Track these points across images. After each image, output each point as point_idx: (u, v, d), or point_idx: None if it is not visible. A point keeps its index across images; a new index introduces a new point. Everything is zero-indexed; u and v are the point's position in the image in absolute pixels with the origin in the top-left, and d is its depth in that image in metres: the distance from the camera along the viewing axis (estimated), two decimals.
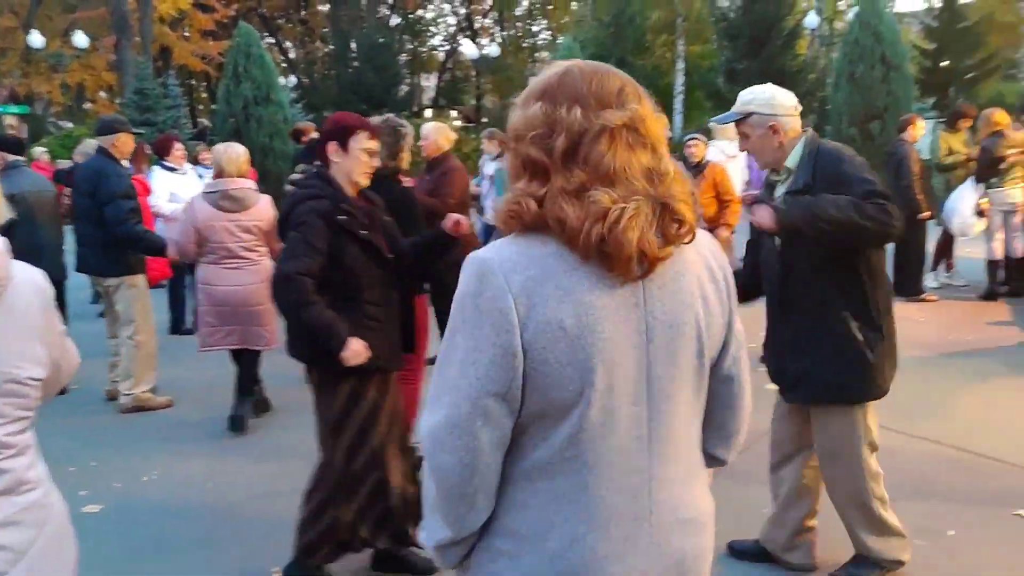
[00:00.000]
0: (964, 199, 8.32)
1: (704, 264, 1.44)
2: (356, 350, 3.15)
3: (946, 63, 28.27)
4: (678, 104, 27.20)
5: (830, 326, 3.04)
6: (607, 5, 28.49)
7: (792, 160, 3.09)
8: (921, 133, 8.46)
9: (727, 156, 8.48)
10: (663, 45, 29.24)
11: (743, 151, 3.28)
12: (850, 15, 28.21)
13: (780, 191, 3.13)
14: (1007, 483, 4.16)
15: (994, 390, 5.63)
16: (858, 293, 3.01)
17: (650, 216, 1.31)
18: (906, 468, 4.22)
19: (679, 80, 27.59)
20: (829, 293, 3.03)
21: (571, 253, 1.30)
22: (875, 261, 3.06)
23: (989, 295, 8.37)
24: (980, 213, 8.23)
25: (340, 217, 3.15)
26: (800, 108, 3.19)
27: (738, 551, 3.57)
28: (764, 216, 3.01)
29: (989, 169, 8.23)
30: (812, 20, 26.59)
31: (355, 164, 3.26)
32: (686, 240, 1.37)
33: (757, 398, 5.37)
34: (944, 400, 5.25)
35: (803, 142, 3.09)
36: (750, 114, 3.12)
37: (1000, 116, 8.27)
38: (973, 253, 9.27)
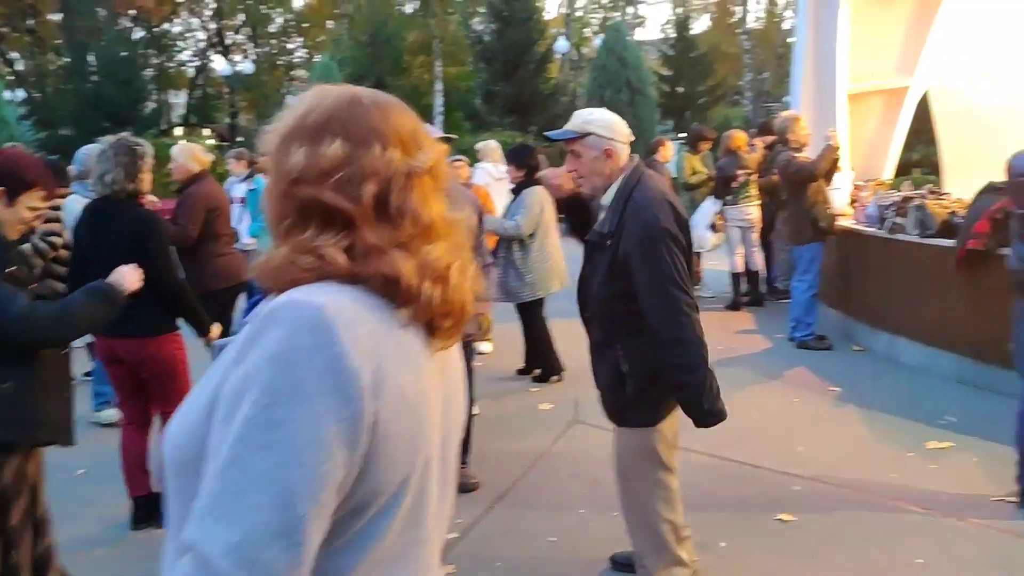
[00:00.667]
0: (702, 215, 8.96)
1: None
2: (124, 272, 3.05)
3: (682, 89, 30.61)
4: (438, 125, 27.49)
5: (608, 357, 3.08)
6: (364, 25, 28.38)
7: (607, 198, 3.04)
8: (671, 154, 9.01)
9: (494, 179, 8.50)
10: (421, 66, 29.49)
11: (570, 171, 3.13)
12: (596, 42, 29.89)
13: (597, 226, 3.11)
14: (768, 489, 4.39)
15: (747, 397, 5.99)
16: (634, 323, 3.01)
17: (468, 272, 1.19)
18: None
19: (438, 101, 27.92)
20: (606, 325, 3.09)
21: (397, 310, 1.10)
22: None
23: (734, 306, 9.00)
24: (713, 227, 8.89)
25: (10, 268, 2.70)
26: (633, 138, 3.15)
27: (621, 562, 3.48)
28: None
29: (725, 187, 8.92)
30: (562, 45, 27.84)
31: (16, 221, 2.80)
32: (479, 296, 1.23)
33: (527, 419, 5.38)
34: None
35: (620, 180, 3.02)
36: (588, 134, 3.03)
37: (737, 139, 8.97)
38: (718, 266, 9.96)
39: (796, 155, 7.33)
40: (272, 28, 36.97)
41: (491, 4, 27.95)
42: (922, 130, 11.08)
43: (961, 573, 3.48)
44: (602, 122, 3.05)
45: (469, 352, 4.52)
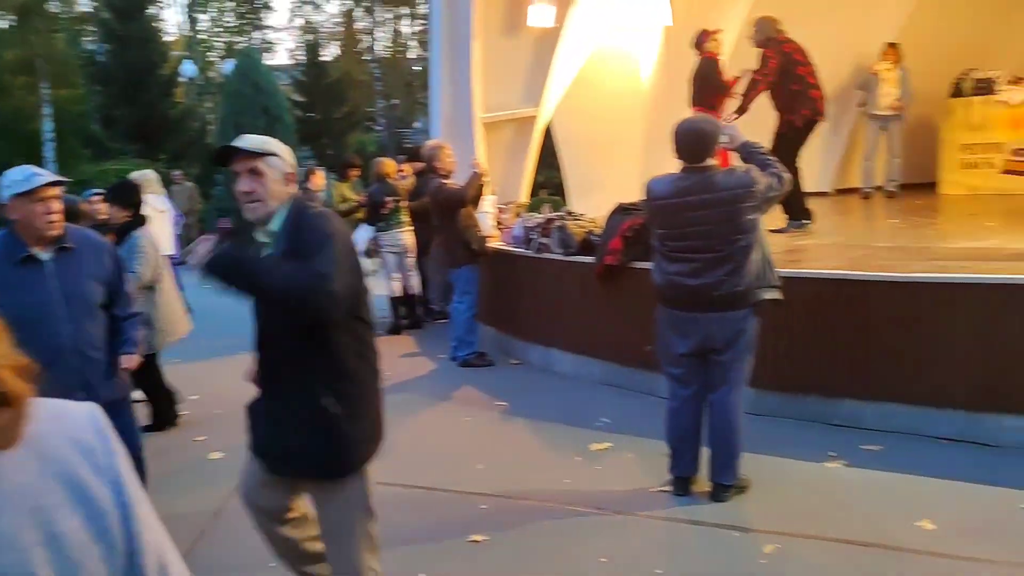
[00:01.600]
0: (356, 242, 8.99)
1: (54, 470, 0.89)
2: None
3: (316, 115, 30.55)
4: (49, 152, 24.79)
5: (308, 398, 2.82)
6: None
7: (277, 223, 2.81)
8: (322, 183, 8.95)
9: (157, 211, 7.60)
10: (23, 87, 26.37)
11: (246, 191, 2.79)
12: (224, 66, 28.86)
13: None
14: (456, 512, 4.44)
15: (421, 420, 6.07)
16: (335, 362, 2.83)
17: None
18: None
19: (47, 126, 25.14)
20: (306, 363, 2.83)
21: None
22: (360, 329, 2.91)
23: (395, 330, 9.11)
24: (368, 253, 9.00)
25: None
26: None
27: None
28: (201, 252, 2.69)
29: (375, 214, 9.06)
30: (188, 69, 26.54)
31: None
32: (14, 440, 0.85)
33: (196, 472, 4.96)
34: None
35: (289, 205, 2.83)
36: (273, 153, 2.80)
37: (387, 166, 9.13)
38: (375, 292, 10.02)
39: (444, 182, 7.62)
40: None
41: (102, 22, 25.84)
42: (545, 154, 12.03)
43: (638, 563, 3.78)
44: (280, 146, 2.89)
45: (128, 412, 4.13)
